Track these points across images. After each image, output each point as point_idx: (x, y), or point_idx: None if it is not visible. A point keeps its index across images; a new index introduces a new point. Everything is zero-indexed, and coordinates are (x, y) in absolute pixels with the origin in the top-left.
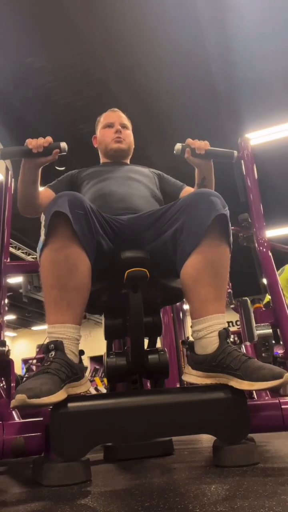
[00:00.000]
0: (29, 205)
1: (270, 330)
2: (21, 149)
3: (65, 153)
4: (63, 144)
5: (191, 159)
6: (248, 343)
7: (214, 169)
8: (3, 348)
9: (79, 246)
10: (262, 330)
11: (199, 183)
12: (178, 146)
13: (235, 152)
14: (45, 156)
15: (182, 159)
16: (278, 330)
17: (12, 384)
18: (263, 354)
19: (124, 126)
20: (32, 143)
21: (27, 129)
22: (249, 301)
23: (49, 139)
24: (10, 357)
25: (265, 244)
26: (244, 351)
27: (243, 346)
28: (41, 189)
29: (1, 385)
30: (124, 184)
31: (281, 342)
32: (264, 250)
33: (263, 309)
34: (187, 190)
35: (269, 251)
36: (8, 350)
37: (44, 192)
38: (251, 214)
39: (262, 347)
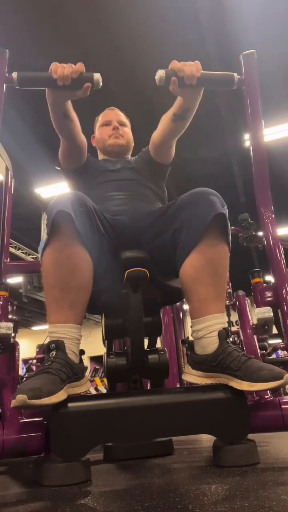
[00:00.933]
0: (64, 133)
1: (271, 314)
2: (44, 76)
3: (98, 88)
4: (97, 76)
5: (178, 92)
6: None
7: (214, 168)
8: (8, 332)
9: (81, 245)
10: (262, 314)
11: (179, 114)
12: (161, 74)
13: (235, 75)
14: (73, 90)
15: (181, 158)
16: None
17: (16, 367)
18: (261, 337)
19: (122, 124)
20: (58, 71)
21: (27, 129)
22: (249, 301)
23: (80, 67)
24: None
25: (270, 217)
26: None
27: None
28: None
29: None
30: (124, 187)
31: (281, 325)
32: (267, 221)
33: (264, 285)
34: (153, 135)
35: (271, 215)
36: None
37: (83, 141)
38: (254, 182)
39: (261, 329)
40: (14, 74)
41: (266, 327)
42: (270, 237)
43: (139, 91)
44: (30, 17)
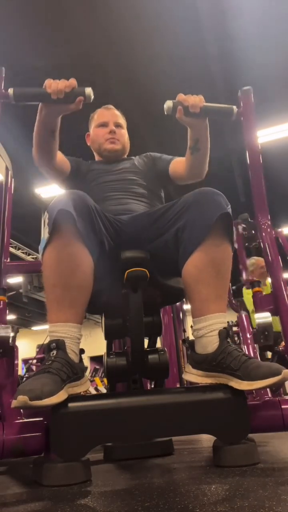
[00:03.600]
0: (44, 155)
1: (270, 319)
2: (38, 92)
3: (90, 102)
4: (89, 90)
5: (184, 119)
6: (243, 313)
7: (215, 169)
8: (8, 334)
9: (82, 244)
10: (262, 320)
11: (192, 146)
12: (169, 103)
13: (235, 108)
14: (66, 104)
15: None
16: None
17: (15, 368)
18: (261, 340)
19: (118, 125)
20: (52, 86)
21: (27, 128)
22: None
23: (72, 82)
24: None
25: (267, 224)
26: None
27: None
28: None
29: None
30: (121, 188)
31: (282, 331)
32: (265, 227)
33: (263, 293)
34: (176, 160)
35: (268, 222)
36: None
37: (60, 155)
38: (252, 192)
39: (261, 336)
40: (10, 90)
41: (266, 333)
42: (268, 246)
43: (139, 91)
44: (30, 17)
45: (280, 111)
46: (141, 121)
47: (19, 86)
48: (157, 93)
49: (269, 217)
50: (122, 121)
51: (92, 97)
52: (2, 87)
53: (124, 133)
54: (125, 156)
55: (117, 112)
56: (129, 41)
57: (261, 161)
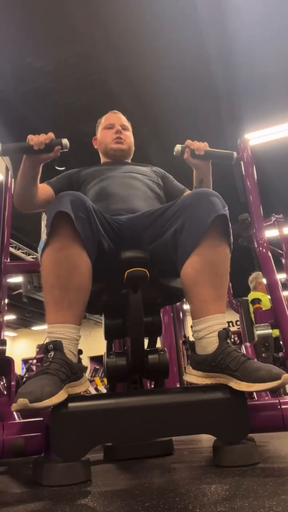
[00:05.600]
0: (27, 201)
1: (270, 331)
2: (22, 145)
3: (66, 150)
4: (65, 141)
5: (190, 160)
6: (248, 344)
7: (214, 169)
8: (3, 347)
9: (80, 246)
10: (262, 331)
11: (197, 186)
12: (178, 147)
13: (234, 153)
14: (46, 153)
15: (181, 160)
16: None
17: (12, 383)
18: (263, 355)
19: (124, 128)
20: (34, 139)
21: (27, 129)
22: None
23: (50, 135)
24: (11, 356)
25: (265, 244)
26: (244, 352)
27: (243, 347)
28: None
29: (2, 383)
30: (125, 184)
31: (281, 343)
32: (264, 250)
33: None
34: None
35: (268, 251)
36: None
37: (42, 187)
38: (251, 215)
39: (262, 347)
40: None
41: (267, 344)
42: (266, 263)
43: (140, 92)
44: (30, 17)
45: (281, 110)
46: (141, 121)
47: (19, 88)
48: (157, 93)
49: (265, 234)
50: (128, 124)
51: (68, 146)
52: None
53: (129, 135)
54: (131, 157)
55: (123, 116)
56: (129, 41)
57: (259, 197)
